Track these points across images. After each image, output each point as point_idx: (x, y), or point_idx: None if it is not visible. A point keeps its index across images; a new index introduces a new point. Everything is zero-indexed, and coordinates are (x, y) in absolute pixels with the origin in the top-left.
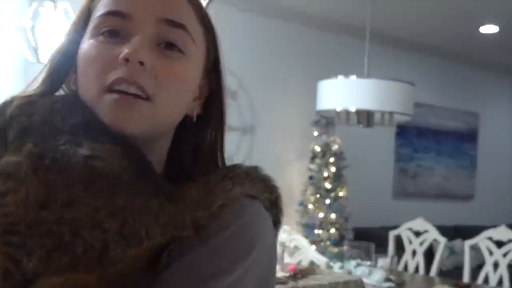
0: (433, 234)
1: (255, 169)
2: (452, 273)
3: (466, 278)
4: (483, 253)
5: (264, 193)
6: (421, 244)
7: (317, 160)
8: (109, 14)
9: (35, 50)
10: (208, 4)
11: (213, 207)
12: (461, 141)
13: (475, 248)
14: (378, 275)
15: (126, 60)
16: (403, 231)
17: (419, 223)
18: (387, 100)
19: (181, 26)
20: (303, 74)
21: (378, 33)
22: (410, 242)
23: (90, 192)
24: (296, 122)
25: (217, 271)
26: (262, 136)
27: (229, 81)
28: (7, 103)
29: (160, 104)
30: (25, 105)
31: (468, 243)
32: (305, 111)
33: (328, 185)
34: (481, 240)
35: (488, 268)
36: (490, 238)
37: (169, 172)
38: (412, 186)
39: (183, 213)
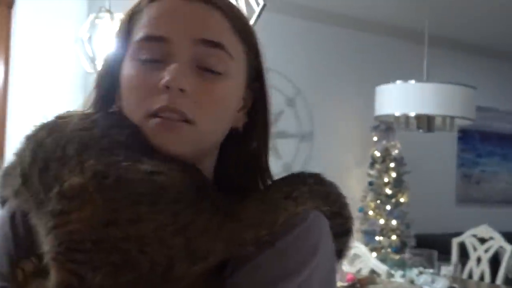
0: (498, 241)
1: (319, 183)
2: None
3: None
4: None
5: (324, 207)
6: (486, 251)
7: (377, 166)
8: (147, 39)
9: (92, 61)
10: (260, 13)
11: (276, 225)
12: None
13: None
14: (441, 284)
15: (167, 87)
16: (467, 238)
17: (483, 230)
18: (448, 104)
19: (219, 45)
20: (361, 80)
21: (437, 37)
22: (475, 249)
23: (155, 208)
24: (354, 128)
25: (285, 272)
26: (321, 142)
27: (287, 88)
28: (65, 119)
29: (202, 126)
30: (85, 120)
31: None
32: (363, 116)
33: (388, 191)
34: None
35: None
36: None
37: (218, 183)
38: (476, 192)
39: (243, 230)
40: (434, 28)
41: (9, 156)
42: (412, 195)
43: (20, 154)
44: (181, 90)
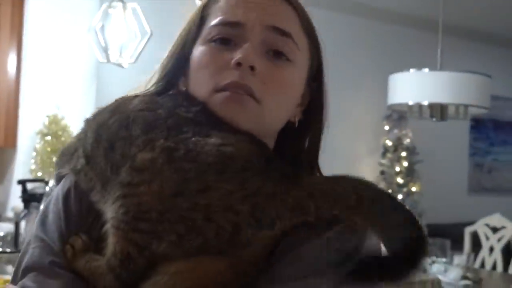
0: (511, 230)
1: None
2: None
3: None
4: None
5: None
6: (498, 240)
7: (389, 155)
8: (223, 24)
9: (105, 50)
10: None
11: (335, 207)
12: None
13: None
14: (454, 273)
15: (238, 64)
16: (480, 227)
17: (496, 219)
18: (462, 93)
19: (287, 34)
20: (373, 69)
21: (451, 26)
22: (487, 238)
23: (223, 177)
24: (367, 117)
25: (326, 265)
26: (333, 131)
27: None
28: (126, 100)
29: (266, 107)
30: (149, 101)
31: None
32: (376, 105)
33: (400, 180)
34: None
35: None
36: None
37: None
38: (489, 181)
39: (307, 200)
40: (448, 16)
41: (22, 145)
42: (424, 184)
43: (80, 137)
44: (252, 68)
